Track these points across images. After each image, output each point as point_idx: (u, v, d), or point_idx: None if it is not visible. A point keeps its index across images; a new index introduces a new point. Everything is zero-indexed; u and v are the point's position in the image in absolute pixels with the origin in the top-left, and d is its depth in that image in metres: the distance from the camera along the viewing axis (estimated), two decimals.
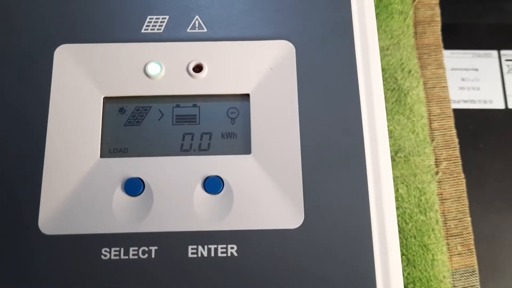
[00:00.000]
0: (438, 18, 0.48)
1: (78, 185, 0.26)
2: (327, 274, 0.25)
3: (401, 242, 0.39)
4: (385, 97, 0.43)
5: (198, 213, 0.26)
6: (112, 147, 0.27)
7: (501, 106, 0.46)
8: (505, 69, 0.47)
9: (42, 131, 0.27)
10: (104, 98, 0.28)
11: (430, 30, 0.48)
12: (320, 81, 0.28)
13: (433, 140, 0.43)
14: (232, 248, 0.26)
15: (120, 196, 0.26)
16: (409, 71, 0.45)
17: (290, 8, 0.29)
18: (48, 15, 0.28)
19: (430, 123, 0.44)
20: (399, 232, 0.39)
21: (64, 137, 0.27)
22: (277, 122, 0.28)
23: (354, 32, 0.29)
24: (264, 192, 0.26)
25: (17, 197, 0.26)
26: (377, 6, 0.46)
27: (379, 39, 0.45)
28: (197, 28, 0.29)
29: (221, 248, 0.26)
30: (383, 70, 0.45)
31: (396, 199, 0.40)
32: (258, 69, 0.28)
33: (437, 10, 0.48)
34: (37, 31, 0.28)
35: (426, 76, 0.46)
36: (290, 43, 0.29)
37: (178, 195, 0.26)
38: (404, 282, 0.37)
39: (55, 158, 0.26)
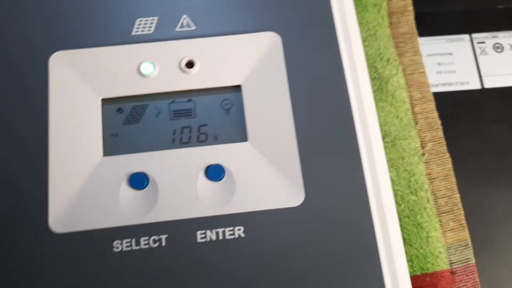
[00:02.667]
0: (411, 8, 0.50)
1: (84, 183, 0.27)
2: (330, 247, 0.26)
3: None
4: None
5: (203, 199, 0.27)
6: (114, 145, 0.28)
7: (477, 86, 0.48)
8: (477, 51, 0.49)
9: (45, 136, 0.28)
10: (101, 100, 0.29)
11: (404, 19, 0.50)
12: (307, 67, 0.29)
13: (416, 124, 0.45)
14: (239, 229, 0.27)
15: (126, 190, 0.27)
16: (388, 60, 0.47)
17: (274, 0, 0.31)
18: (40, 24, 0.29)
19: (413, 108, 0.46)
20: None
21: (67, 140, 0.28)
22: (270, 109, 0.29)
23: (334, 18, 0.30)
24: (264, 175, 0.28)
25: (26, 200, 0.27)
26: None
27: None
28: (185, 27, 0.30)
29: (229, 230, 0.27)
30: None
31: None
32: (248, 61, 0.30)
33: (409, 0, 0.50)
34: (30, 41, 0.29)
35: (404, 63, 0.47)
36: (276, 34, 0.30)
37: (182, 184, 0.27)
38: None
39: (60, 160, 0.27)
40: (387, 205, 0.27)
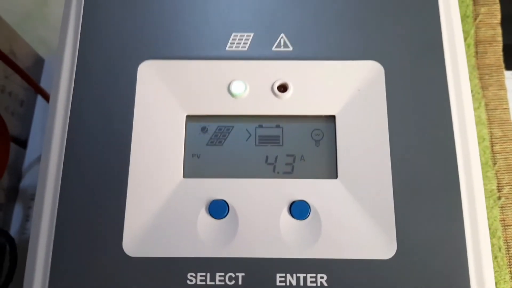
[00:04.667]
0: (500, 38, 0.46)
1: (162, 206, 0.26)
2: None
3: None
4: None
5: (285, 239, 0.25)
6: (195, 167, 0.27)
7: None
8: None
9: (127, 148, 0.26)
10: (186, 116, 0.27)
11: (491, 50, 0.47)
12: (410, 104, 0.27)
13: (495, 164, 0.42)
14: (321, 277, 0.24)
15: (204, 218, 0.25)
16: (471, 92, 0.44)
17: (378, 27, 0.28)
18: (132, 31, 0.28)
19: (492, 146, 0.43)
20: None
21: (148, 156, 0.26)
22: (365, 145, 0.26)
23: (445, 54, 0.28)
24: (353, 220, 0.25)
25: (101, 218, 0.25)
26: None
27: None
28: (282, 47, 0.28)
29: (310, 277, 0.24)
30: None
31: None
32: (345, 90, 0.27)
33: (499, 30, 0.47)
34: (122, 47, 0.28)
35: (487, 97, 0.44)
36: (379, 64, 0.28)
37: (264, 219, 0.25)
38: None
39: (139, 177, 0.26)
40: (486, 266, 0.25)
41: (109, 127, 0.26)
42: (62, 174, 0.26)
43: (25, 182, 0.44)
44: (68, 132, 0.26)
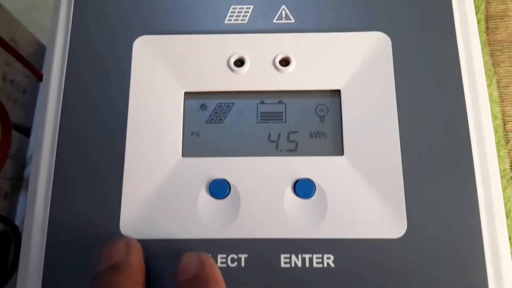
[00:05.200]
0: (511, 13, 0.45)
1: (161, 186, 0.25)
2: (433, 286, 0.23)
3: None
4: None
5: (290, 218, 0.24)
6: (194, 145, 0.26)
7: None
8: None
9: (123, 127, 0.25)
10: (185, 93, 0.26)
11: (502, 25, 0.45)
12: (419, 77, 0.26)
13: (507, 143, 0.40)
14: (328, 258, 0.23)
15: (205, 198, 0.24)
16: None
17: None
18: (127, 5, 0.27)
19: (504, 125, 0.41)
20: None
21: (145, 135, 0.25)
22: (373, 121, 0.25)
23: (455, 24, 0.26)
24: (361, 198, 0.24)
25: (98, 200, 0.24)
26: None
27: None
28: (283, 19, 0.27)
29: (317, 257, 0.23)
30: None
31: None
32: (350, 63, 0.26)
33: (510, 4, 0.45)
34: (116, 22, 0.27)
35: (499, 74, 0.43)
36: (386, 35, 0.26)
37: (267, 198, 0.24)
38: None
39: (136, 157, 0.25)
40: (502, 244, 0.23)
41: (104, 105, 0.25)
42: (56, 154, 0.25)
43: (29, 170, 0.43)
44: (61, 111, 0.25)
